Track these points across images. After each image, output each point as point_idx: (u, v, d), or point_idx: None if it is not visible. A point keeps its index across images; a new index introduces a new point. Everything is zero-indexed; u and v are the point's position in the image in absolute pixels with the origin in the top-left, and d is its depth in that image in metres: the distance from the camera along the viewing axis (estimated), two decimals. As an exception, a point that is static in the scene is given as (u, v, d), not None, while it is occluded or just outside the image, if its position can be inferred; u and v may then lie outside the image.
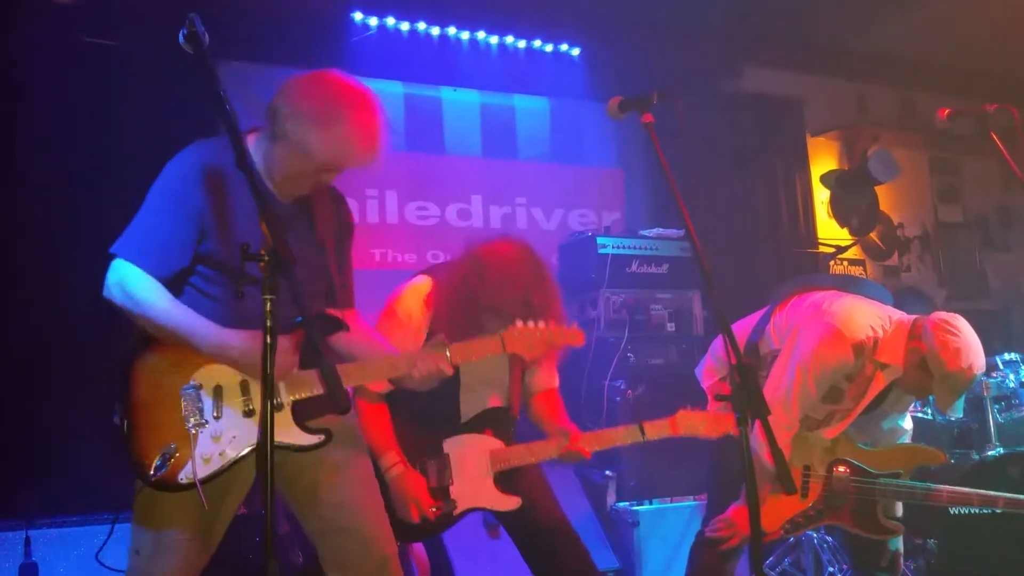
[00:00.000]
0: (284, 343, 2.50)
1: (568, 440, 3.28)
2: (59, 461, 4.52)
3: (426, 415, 3.29)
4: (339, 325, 2.79)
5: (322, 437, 2.67)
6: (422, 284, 3.38)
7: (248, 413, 2.60)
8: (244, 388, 2.62)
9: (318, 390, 2.65)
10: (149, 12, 4.97)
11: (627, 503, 5.11)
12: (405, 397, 3.24)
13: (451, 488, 3.26)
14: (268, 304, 2.12)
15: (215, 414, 2.58)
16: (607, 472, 5.18)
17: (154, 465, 2.51)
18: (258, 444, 2.10)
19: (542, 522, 3.37)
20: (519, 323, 2.96)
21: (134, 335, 2.65)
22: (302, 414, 2.65)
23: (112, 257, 2.63)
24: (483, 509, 3.32)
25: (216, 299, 2.66)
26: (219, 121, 2.34)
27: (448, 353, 2.82)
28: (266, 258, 2.14)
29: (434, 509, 3.19)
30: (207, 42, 2.34)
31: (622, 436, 3.33)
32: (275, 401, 2.59)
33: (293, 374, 2.63)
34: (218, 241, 2.62)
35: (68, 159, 4.87)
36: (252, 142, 2.70)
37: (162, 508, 2.60)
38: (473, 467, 3.28)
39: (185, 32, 2.34)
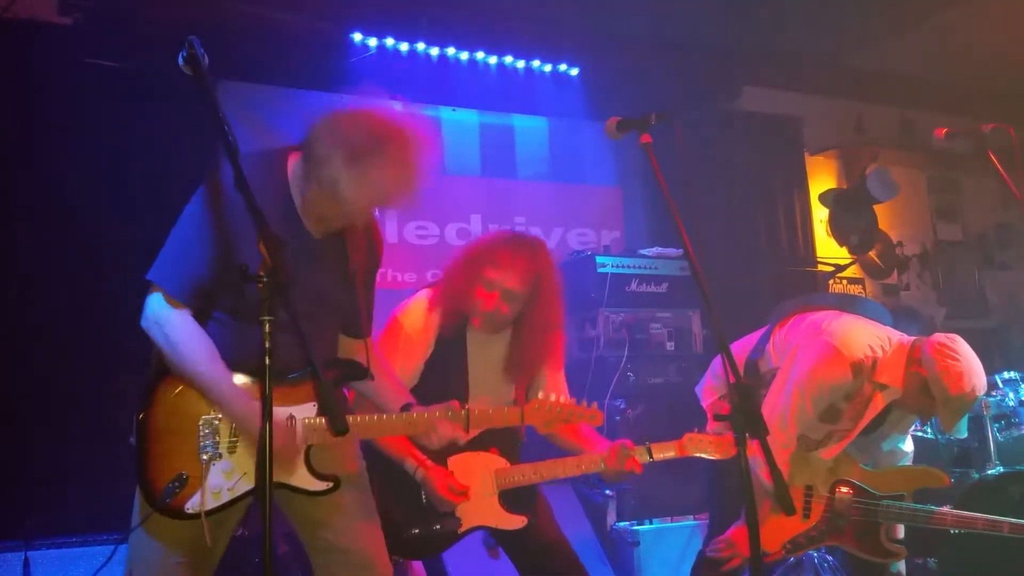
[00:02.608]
0: (284, 434, 2.55)
1: (613, 451, 3.27)
2: (58, 483, 4.51)
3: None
4: (364, 374, 2.81)
5: (331, 484, 2.67)
6: (424, 295, 3.41)
7: (325, 428, 2.59)
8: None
9: (332, 438, 2.63)
10: (149, 33, 5.01)
11: (628, 523, 5.09)
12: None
13: (456, 506, 3.25)
14: (266, 326, 2.11)
15: (229, 449, 2.58)
16: (607, 492, 5.16)
17: (163, 491, 2.52)
18: (257, 464, 2.09)
19: (541, 543, 3.35)
20: (540, 396, 3.02)
21: (159, 360, 2.64)
22: (316, 460, 2.66)
23: (147, 283, 2.65)
24: (488, 527, 3.31)
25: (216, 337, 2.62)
26: (218, 142, 2.34)
27: (465, 416, 2.86)
28: (264, 279, 2.13)
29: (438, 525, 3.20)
30: (206, 64, 2.34)
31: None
32: (296, 446, 2.61)
33: (311, 420, 2.63)
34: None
35: (68, 180, 4.87)
36: (292, 166, 2.68)
37: (164, 531, 2.59)
38: (478, 485, 3.27)
39: (184, 54, 2.33)
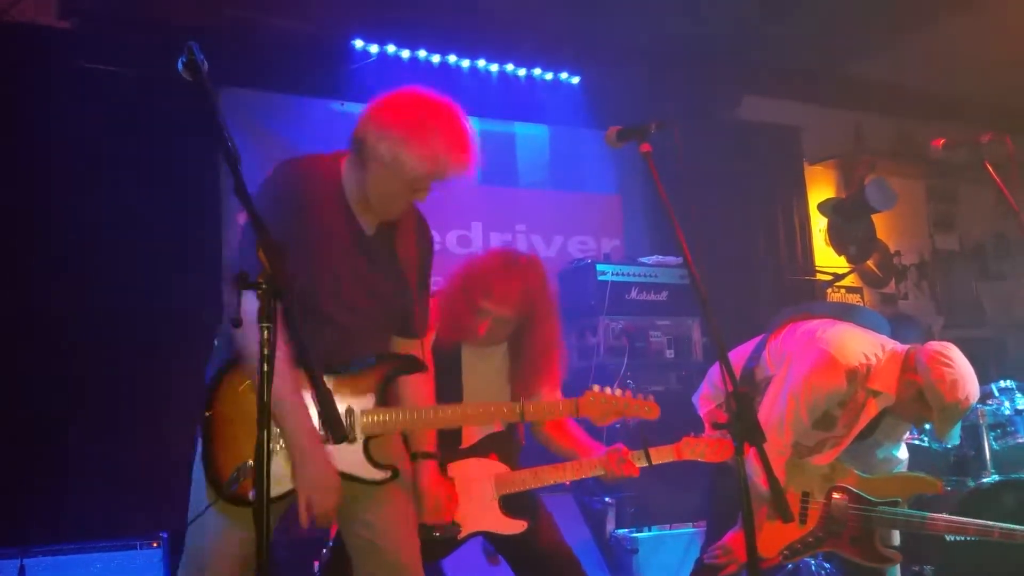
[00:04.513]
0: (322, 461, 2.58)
1: (611, 456, 3.28)
2: (54, 489, 4.52)
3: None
4: (420, 366, 2.85)
5: (388, 473, 2.71)
6: None
7: (323, 440, 2.60)
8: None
9: (395, 429, 2.75)
10: (149, 38, 5.01)
11: (626, 530, 5.10)
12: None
13: (456, 512, 3.26)
14: (265, 332, 2.12)
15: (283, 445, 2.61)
16: (606, 499, 5.17)
17: (230, 479, 2.56)
18: (255, 479, 2.09)
19: (542, 549, 3.36)
20: (596, 388, 3.04)
21: (222, 354, 2.69)
22: (374, 449, 2.70)
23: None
24: (488, 533, 3.31)
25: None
26: (218, 148, 2.36)
27: (520, 410, 2.94)
28: (264, 286, 2.14)
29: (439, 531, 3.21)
30: (206, 70, 2.35)
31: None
32: (353, 435, 2.66)
33: (373, 410, 2.69)
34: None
35: (66, 184, 4.88)
36: (344, 167, 2.75)
37: (230, 512, 2.60)
38: (478, 491, 3.28)
39: (184, 60, 2.34)
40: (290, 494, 2.61)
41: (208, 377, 2.69)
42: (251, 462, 2.48)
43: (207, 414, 2.62)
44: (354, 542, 2.83)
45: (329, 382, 2.60)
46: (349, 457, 2.65)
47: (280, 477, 2.56)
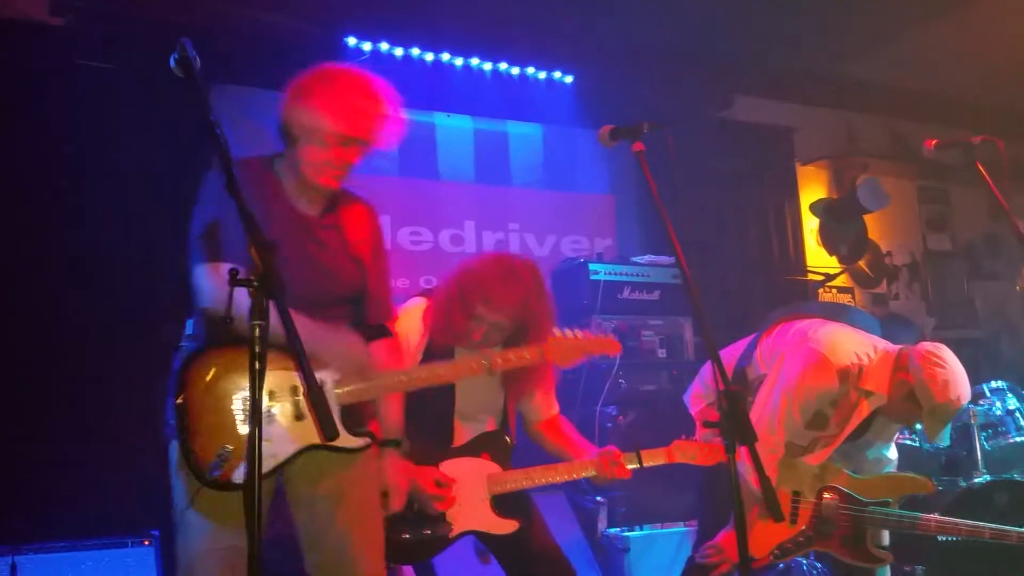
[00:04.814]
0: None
1: (603, 459, 3.30)
2: (45, 486, 4.50)
3: (418, 438, 3.29)
4: (387, 332, 2.93)
5: (367, 440, 2.77)
6: (418, 304, 3.41)
7: (298, 417, 2.68)
8: (295, 392, 2.70)
9: (369, 396, 2.78)
10: (141, 35, 4.99)
11: (618, 529, 5.11)
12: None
13: (447, 511, 3.26)
14: (257, 330, 2.12)
15: (267, 420, 2.65)
16: (598, 498, 5.17)
17: (210, 465, 2.57)
18: (246, 473, 2.10)
19: (534, 549, 3.36)
20: (557, 331, 3.08)
21: (191, 341, 2.75)
22: (349, 418, 2.73)
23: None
24: (479, 532, 3.32)
25: None
26: (210, 145, 2.36)
27: (487, 361, 2.99)
28: (256, 284, 2.14)
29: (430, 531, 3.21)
30: (198, 67, 2.36)
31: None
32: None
33: (340, 379, 2.73)
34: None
35: (58, 181, 4.86)
36: (275, 162, 2.87)
37: (214, 510, 2.63)
38: (470, 490, 3.28)
39: (176, 56, 2.36)
40: (277, 469, 2.66)
41: (177, 364, 2.70)
42: (230, 446, 2.58)
43: (179, 402, 2.63)
44: (309, 525, 2.82)
45: (283, 358, 2.65)
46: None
47: (268, 451, 2.57)
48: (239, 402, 2.65)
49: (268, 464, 2.60)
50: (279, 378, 2.68)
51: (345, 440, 2.69)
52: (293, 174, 2.82)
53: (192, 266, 2.75)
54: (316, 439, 2.67)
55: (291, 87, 2.80)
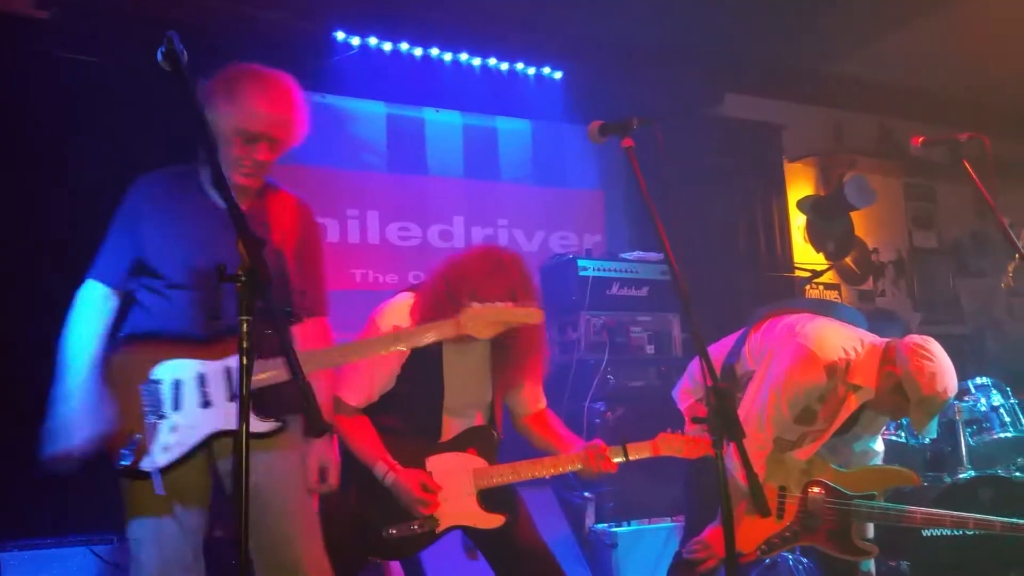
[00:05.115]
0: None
1: (589, 452, 3.29)
2: (30, 483, 4.47)
3: (406, 434, 3.29)
4: (295, 317, 2.97)
5: (279, 423, 2.79)
6: (406, 299, 3.39)
7: (205, 404, 2.75)
8: (201, 381, 2.76)
9: (277, 379, 2.75)
10: (127, 28, 4.96)
11: (605, 524, 5.11)
12: (384, 415, 3.26)
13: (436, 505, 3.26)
14: (244, 325, 2.12)
15: (174, 406, 2.74)
16: (585, 493, 5.18)
17: (121, 454, 2.69)
18: (233, 468, 2.11)
19: (519, 545, 3.36)
20: (475, 304, 3.01)
21: (117, 331, 2.90)
22: (259, 403, 2.74)
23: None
24: (466, 527, 3.32)
25: (148, 309, 2.89)
26: (196, 138, 2.36)
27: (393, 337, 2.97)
28: (243, 279, 2.14)
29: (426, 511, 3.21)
30: (185, 61, 2.36)
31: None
32: (233, 393, 2.76)
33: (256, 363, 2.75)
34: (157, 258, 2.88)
35: (41, 174, 4.84)
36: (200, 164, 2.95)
37: (140, 497, 2.76)
38: (456, 485, 3.28)
39: (163, 50, 2.37)
40: (189, 457, 2.72)
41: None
42: (139, 435, 2.70)
43: None
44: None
45: (198, 348, 2.76)
46: (226, 416, 2.75)
47: (169, 445, 2.70)
48: (148, 392, 2.74)
49: (175, 452, 2.71)
50: (185, 367, 2.77)
51: (253, 424, 2.70)
52: (215, 168, 2.87)
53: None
54: (222, 426, 2.74)
55: (204, 89, 2.87)
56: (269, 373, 2.73)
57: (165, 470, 2.69)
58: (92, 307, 2.93)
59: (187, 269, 2.85)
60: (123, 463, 2.68)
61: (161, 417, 2.73)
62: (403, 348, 3.06)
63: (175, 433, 2.71)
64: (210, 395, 2.75)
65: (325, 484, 3.03)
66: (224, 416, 2.74)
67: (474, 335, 3.02)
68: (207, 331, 2.79)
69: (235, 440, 2.14)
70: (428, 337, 3.01)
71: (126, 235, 2.94)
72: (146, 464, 2.68)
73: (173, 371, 2.77)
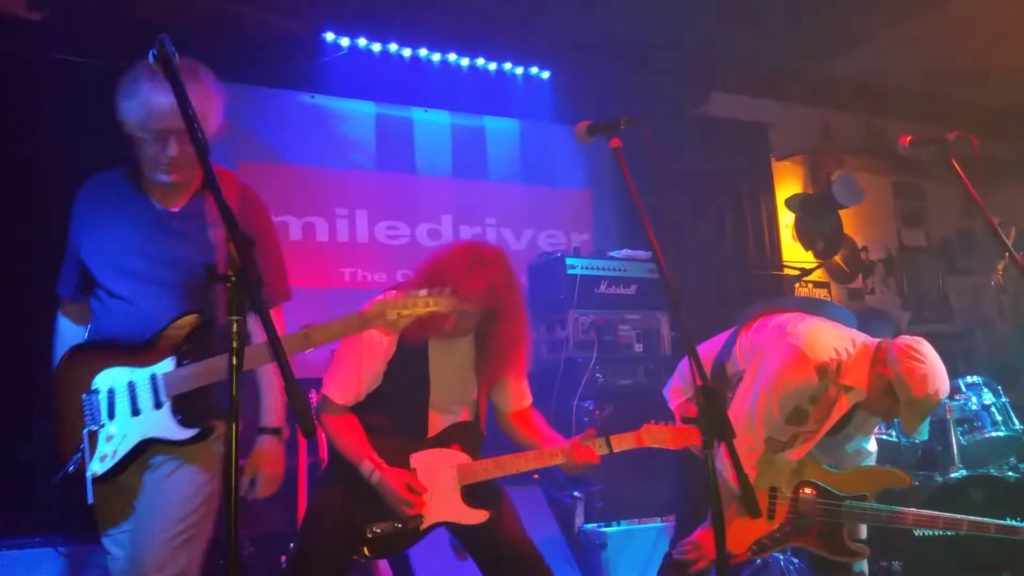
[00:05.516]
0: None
1: (574, 444, 3.27)
2: (21, 482, 4.45)
3: (393, 431, 3.28)
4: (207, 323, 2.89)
5: (199, 429, 2.78)
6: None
7: (135, 412, 2.77)
8: (131, 389, 2.78)
9: (199, 383, 2.76)
10: (119, 30, 4.95)
11: (595, 524, 5.11)
12: (371, 413, 3.25)
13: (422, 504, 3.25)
14: (235, 325, 2.11)
15: (109, 415, 2.77)
16: (575, 493, 5.17)
17: (67, 463, 2.75)
18: (224, 469, 2.12)
19: (504, 540, 3.35)
20: (379, 297, 2.94)
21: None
22: (182, 410, 2.77)
23: None
24: (450, 523, 3.31)
25: (97, 316, 2.95)
26: (191, 139, 2.33)
27: (303, 335, 2.83)
28: (232, 279, 2.12)
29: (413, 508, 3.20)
30: (176, 62, 2.36)
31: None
32: (159, 400, 2.76)
33: (173, 371, 2.78)
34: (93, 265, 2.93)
35: (34, 176, 4.81)
36: (135, 170, 2.96)
37: (99, 511, 2.87)
38: (440, 481, 3.27)
39: (155, 52, 2.36)
40: (125, 464, 2.75)
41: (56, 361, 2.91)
42: (83, 444, 2.75)
43: (54, 404, 2.84)
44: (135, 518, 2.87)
45: (131, 355, 2.78)
46: (156, 422, 2.76)
47: (105, 454, 2.74)
48: (87, 403, 2.79)
49: (110, 462, 2.74)
50: (118, 376, 2.79)
51: (175, 432, 2.76)
52: (143, 175, 2.93)
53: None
54: (151, 433, 2.75)
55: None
56: (186, 373, 2.76)
57: (105, 478, 2.74)
58: (61, 321, 3.10)
59: (119, 275, 2.88)
60: (68, 470, 2.74)
61: (100, 426, 2.77)
62: (311, 347, 2.90)
63: (110, 443, 2.75)
64: (139, 403, 2.77)
65: (252, 492, 3.01)
66: (152, 424, 2.75)
67: (384, 327, 2.98)
68: (140, 337, 2.81)
69: (226, 436, 2.11)
70: (334, 333, 2.91)
71: (70, 245, 3.01)
72: (89, 474, 2.73)
73: (108, 380, 2.80)
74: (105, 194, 2.99)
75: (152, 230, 2.91)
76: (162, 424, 2.76)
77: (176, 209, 2.96)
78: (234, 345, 2.10)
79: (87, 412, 2.78)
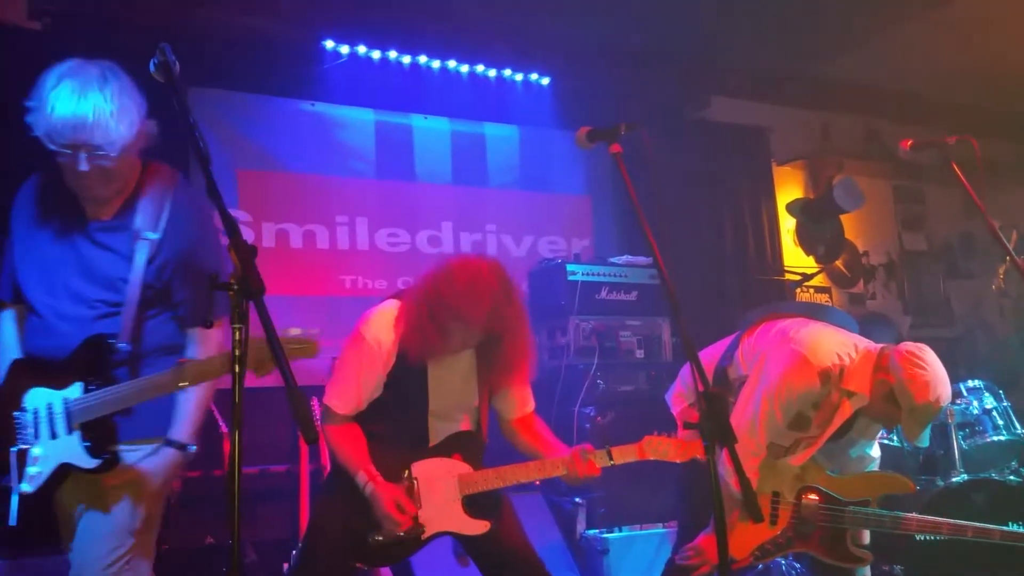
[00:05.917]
0: None
1: (575, 456, 3.26)
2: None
3: (394, 440, 3.28)
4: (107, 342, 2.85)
5: (104, 458, 2.76)
6: (390, 308, 3.35)
7: (53, 436, 2.75)
8: (49, 411, 2.76)
9: (103, 412, 2.74)
10: (120, 39, 4.95)
11: (597, 530, 5.10)
12: (373, 422, 3.24)
13: (419, 512, 3.25)
14: (237, 333, 2.11)
15: (35, 436, 2.76)
16: (577, 499, 5.17)
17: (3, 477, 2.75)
18: (226, 477, 2.11)
19: (507, 550, 3.34)
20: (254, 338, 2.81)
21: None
22: (90, 437, 2.76)
23: None
24: (451, 534, 3.31)
25: (32, 327, 2.91)
26: (189, 149, 2.34)
27: (180, 371, 2.76)
28: (235, 287, 2.12)
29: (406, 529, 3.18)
30: (177, 71, 2.35)
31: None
32: (70, 426, 2.75)
33: (81, 397, 2.75)
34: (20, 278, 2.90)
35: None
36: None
37: (60, 528, 2.88)
38: (441, 491, 3.26)
39: (156, 61, 2.36)
40: (50, 488, 2.73)
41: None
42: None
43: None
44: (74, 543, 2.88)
45: (54, 376, 2.76)
46: (68, 448, 2.75)
47: (32, 475, 2.72)
48: (18, 423, 2.77)
49: (35, 483, 2.73)
50: (43, 397, 2.77)
51: (83, 460, 2.75)
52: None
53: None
54: (65, 458, 2.74)
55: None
56: (91, 399, 2.73)
57: (36, 499, 2.72)
58: (3, 324, 3.00)
59: (36, 288, 2.85)
60: (4, 484, 2.73)
61: (28, 446, 2.75)
62: (188, 385, 2.78)
63: (35, 464, 2.74)
64: (55, 427, 2.75)
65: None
66: (65, 449, 2.74)
67: (254, 371, 2.66)
68: (57, 358, 2.78)
69: (230, 449, 2.10)
70: (209, 374, 2.79)
71: (7, 248, 2.96)
72: (18, 488, 2.72)
73: (35, 400, 2.78)
74: (35, 202, 2.92)
75: (74, 243, 2.85)
76: (73, 451, 2.75)
77: (105, 219, 2.89)
78: (236, 353, 2.10)
79: (18, 430, 2.76)
